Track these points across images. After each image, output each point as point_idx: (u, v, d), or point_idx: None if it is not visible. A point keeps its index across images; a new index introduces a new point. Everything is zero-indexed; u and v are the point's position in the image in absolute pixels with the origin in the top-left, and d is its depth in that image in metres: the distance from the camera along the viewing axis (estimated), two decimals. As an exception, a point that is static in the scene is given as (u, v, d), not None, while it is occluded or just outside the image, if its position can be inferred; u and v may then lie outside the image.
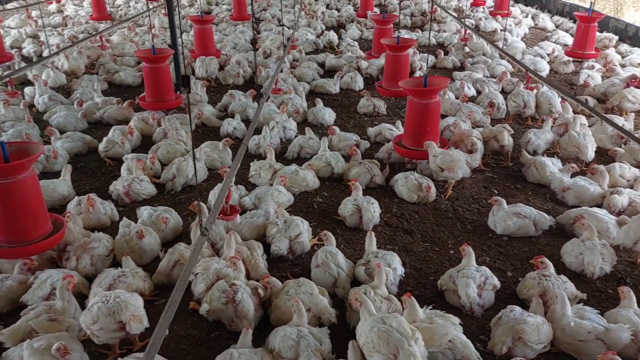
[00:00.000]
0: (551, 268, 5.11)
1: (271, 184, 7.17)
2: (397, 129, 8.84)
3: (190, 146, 8.42)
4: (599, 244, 5.46)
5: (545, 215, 6.21)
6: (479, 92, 10.91)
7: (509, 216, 6.13)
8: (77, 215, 6.30)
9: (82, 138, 8.68)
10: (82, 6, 21.93)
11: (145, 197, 7.18)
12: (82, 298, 5.12)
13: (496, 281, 5.05)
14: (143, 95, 9.75)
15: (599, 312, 4.59)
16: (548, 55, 13.46)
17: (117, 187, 7.06)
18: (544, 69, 12.00)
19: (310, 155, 8.22)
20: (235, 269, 5.03)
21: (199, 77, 11.78)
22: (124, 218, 6.20)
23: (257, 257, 5.49)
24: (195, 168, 4.89)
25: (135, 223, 6.23)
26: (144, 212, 6.36)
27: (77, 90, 11.11)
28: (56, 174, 7.46)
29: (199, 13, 18.20)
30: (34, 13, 20.36)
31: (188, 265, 4.28)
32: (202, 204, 6.12)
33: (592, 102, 9.80)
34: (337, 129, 8.69)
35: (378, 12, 18.43)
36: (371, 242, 5.50)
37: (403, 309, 4.55)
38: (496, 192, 7.21)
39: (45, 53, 14.02)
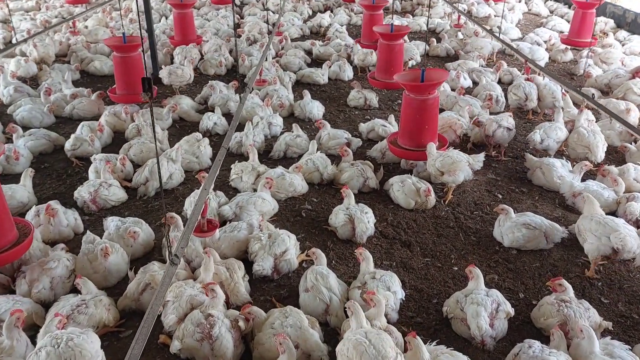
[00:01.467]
0: (570, 292, 4.53)
1: (254, 189, 6.51)
2: (390, 125, 8.20)
3: (167, 145, 7.73)
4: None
5: (557, 226, 5.61)
6: (475, 83, 10.28)
7: (517, 227, 5.53)
8: (36, 228, 5.61)
9: (47, 135, 7.93)
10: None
11: (114, 204, 6.49)
12: (37, 330, 4.47)
13: (509, 307, 4.45)
14: (113, 87, 9.01)
15: (629, 347, 4.02)
16: (545, 42, 12.85)
17: (82, 193, 6.36)
18: (543, 57, 11.40)
19: (297, 154, 7.56)
20: (213, 297, 4.37)
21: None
22: (87, 232, 5.51)
23: (237, 279, 4.85)
24: (160, 173, 4.23)
25: (101, 236, 5.58)
26: (111, 223, 5.68)
27: (45, 80, 10.30)
28: (17, 177, 6.74)
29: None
30: (5, -5, 19.35)
31: (156, 298, 3.65)
32: (177, 217, 5.46)
33: (595, 94, 9.19)
34: (326, 123, 8.02)
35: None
36: (368, 262, 4.87)
37: (405, 347, 3.96)
38: (500, 196, 6.61)
39: (14, 40, 13.14)
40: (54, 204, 5.92)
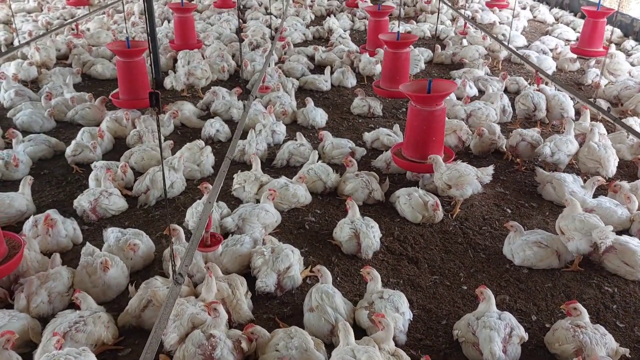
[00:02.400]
0: (586, 316, 4.37)
1: (257, 200, 6.37)
2: (395, 135, 8.05)
3: (168, 153, 7.58)
4: None
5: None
6: (480, 92, 10.15)
7: (528, 245, 5.37)
8: (34, 239, 5.46)
9: (47, 141, 7.78)
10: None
11: (114, 213, 6.34)
12: (33, 346, 4.32)
13: (523, 332, 4.29)
14: (116, 92, 8.87)
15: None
16: (551, 50, 12.72)
17: (82, 202, 6.20)
18: (550, 67, 11.25)
19: (300, 163, 7.42)
20: (216, 317, 4.22)
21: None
22: (87, 244, 5.36)
23: (239, 296, 4.69)
24: (164, 183, 4.09)
25: (101, 247, 5.44)
26: (111, 235, 5.52)
27: (46, 84, 10.15)
28: (17, 183, 6.57)
29: (180, 0, 17.36)
30: (7, -4, 19.21)
31: (160, 321, 3.50)
32: (179, 229, 5.31)
33: (605, 105, 9.06)
34: (328, 134, 7.86)
35: (368, 1, 17.58)
36: (376, 282, 4.71)
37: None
38: (509, 211, 6.46)
39: (17, 42, 12.99)
40: (53, 213, 5.78)
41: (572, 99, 8.29)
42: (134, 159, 7.34)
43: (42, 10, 17.15)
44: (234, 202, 6.61)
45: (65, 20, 15.72)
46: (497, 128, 7.82)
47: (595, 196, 6.30)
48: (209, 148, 7.43)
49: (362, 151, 7.74)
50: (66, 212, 6.28)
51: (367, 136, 8.19)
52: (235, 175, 6.78)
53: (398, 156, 6.78)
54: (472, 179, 6.15)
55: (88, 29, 14.41)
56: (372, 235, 5.58)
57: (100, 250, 5.31)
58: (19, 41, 12.35)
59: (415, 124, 6.50)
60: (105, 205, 6.24)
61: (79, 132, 7.87)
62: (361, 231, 5.55)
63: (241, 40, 13.09)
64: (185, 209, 6.32)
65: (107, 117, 8.45)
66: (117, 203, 6.35)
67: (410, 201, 6.23)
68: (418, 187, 6.50)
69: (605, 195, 6.35)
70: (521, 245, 5.40)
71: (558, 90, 8.67)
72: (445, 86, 6.53)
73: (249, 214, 5.81)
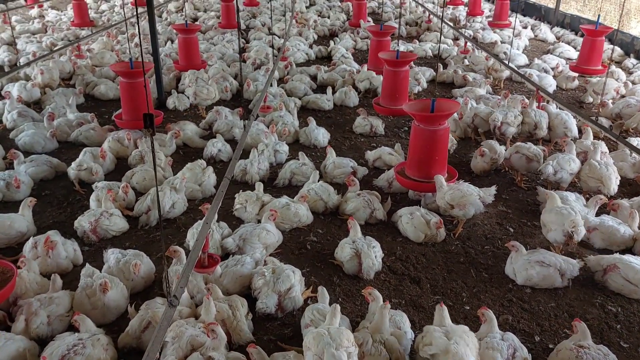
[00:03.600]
0: (588, 337, 4.31)
1: (259, 220, 6.34)
2: (397, 154, 8.04)
3: (169, 172, 7.59)
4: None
5: (573, 261, 5.42)
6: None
7: (530, 264, 5.33)
8: (34, 260, 5.44)
9: (49, 162, 7.78)
10: (65, 11, 20.80)
11: (115, 234, 6.32)
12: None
13: (526, 352, 4.24)
14: (119, 113, 8.91)
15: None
16: (552, 69, 12.75)
17: (82, 223, 6.19)
18: (551, 84, 11.26)
19: (302, 182, 7.39)
20: (214, 338, 4.18)
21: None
22: (87, 265, 5.34)
23: (240, 317, 4.65)
24: (159, 203, 4.07)
25: (101, 268, 5.41)
26: (111, 256, 5.50)
27: (49, 105, 10.21)
28: (18, 204, 6.52)
29: (184, 21, 17.50)
30: (13, 18, 19.41)
31: (154, 343, 3.47)
32: (180, 250, 5.29)
33: (606, 124, 9.05)
34: (332, 151, 7.87)
35: (371, 21, 17.71)
36: (378, 301, 4.66)
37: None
38: (512, 230, 6.43)
39: (19, 63, 13.11)
40: (53, 235, 5.77)
41: (574, 117, 8.27)
42: (136, 179, 7.34)
43: (46, 32, 17.31)
44: (235, 222, 6.59)
45: (70, 41, 15.89)
46: (497, 145, 7.80)
47: (598, 214, 6.26)
48: (210, 168, 7.43)
49: (364, 170, 7.73)
50: (67, 233, 6.28)
51: (369, 155, 8.19)
52: (236, 195, 6.77)
53: (401, 175, 6.76)
54: (474, 199, 6.13)
55: (91, 50, 14.50)
56: (373, 255, 5.54)
57: (100, 272, 5.29)
58: (20, 63, 12.50)
59: (418, 143, 6.50)
60: (106, 225, 6.22)
61: (81, 153, 7.88)
62: (362, 251, 5.52)
63: (243, 61, 13.22)
64: (186, 230, 6.29)
65: (109, 138, 8.48)
66: (117, 224, 6.33)
67: (412, 220, 6.21)
68: (420, 207, 6.47)
69: (608, 214, 6.31)
70: (523, 265, 5.36)
71: (560, 108, 8.67)
72: (448, 106, 6.52)
73: (249, 234, 5.79)
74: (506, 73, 11.98)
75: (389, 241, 6.20)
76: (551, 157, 7.15)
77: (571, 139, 7.76)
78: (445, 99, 6.90)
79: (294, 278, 5.04)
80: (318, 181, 7.09)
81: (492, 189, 6.34)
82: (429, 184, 6.46)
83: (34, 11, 21.16)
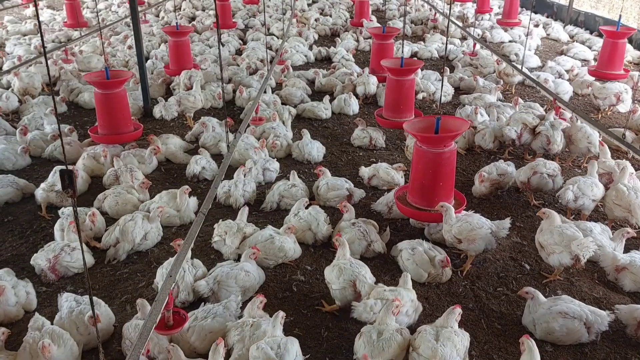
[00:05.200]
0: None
1: (239, 254, 5.59)
2: (396, 172, 7.27)
3: (146, 196, 6.85)
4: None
5: (601, 312, 4.62)
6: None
7: (552, 316, 4.55)
8: (-24, 308, 4.74)
9: (15, 183, 7.06)
10: (61, 10, 19.97)
11: (77, 271, 5.59)
12: None
13: None
14: (95, 126, 8.18)
15: None
16: (567, 72, 11.90)
17: (39, 260, 5.46)
18: (567, 91, 10.40)
19: (292, 206, 6.63)
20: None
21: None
22: (36, 315, 4.60)
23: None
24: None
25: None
26: (64, 304, 4.77)
27: (25, 115, 9.50)
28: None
29: (180, 21, 16.76)
30: (5, 18, 18.75)
31: None
32: (143, 305, 4.55)
33: (630, 136, 8.22)
34: (326, 171, 7.09)
35: (374, 20, 16.89)
36: None
37: None
38: (527, 267, 5.64)
39: (6, 66, 12.42)
40: (5, 275, 5.09)
41: (599, 132, 7.43)
42: (108, 204, 6.62)
43: (37, 33, 16.61)
44: (214, 256, 5.85)
45: (61, 42, 15.20)
46: (499, 167, 7.05)
47: (626, 250, 5.47)
48: (194, 200, 6.66)
49: (361, 193, 6.96)
50: (24, 269, 5.63)
51: (364, 171, 7.43)
52: (215, 226, 6.01)
53: (401, 202, 5.99)
54: (485, 233, 5.35)
55: (81, 52, 13.77)
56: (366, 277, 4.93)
57: (53, 322, 4.57)
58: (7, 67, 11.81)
59: (421, 166, 5.72)
60: (67, 262, 5.49)
61: (51, 173, 7.14)
62: (358, 279, 4.82)
63: (237, 64, 12.44)
64: (158, 265, 5.56)
65: (84, 154, 7.75)
66: (80, 259, 5.60)
67: (413, 257, 5.44)
68: (423, 240, 5.68)
69: (638, 249, 5.52)
70: (544, 316, 4.58)
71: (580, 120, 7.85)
72: (455, 125, 5.72)
73: (225, 275, 5.04)
74: (518, 78, 11.15)
75: (388, 280, 5.42)
76: (571, 181, 6.34)
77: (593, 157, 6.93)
78: (451, 117, 6.10)
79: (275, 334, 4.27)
80: (307, 207, 6.33)
81: (507, 222, 5.55)
82: (432, 213, 5.68)
83: (29, 11, 20.51)
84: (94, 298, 4.79)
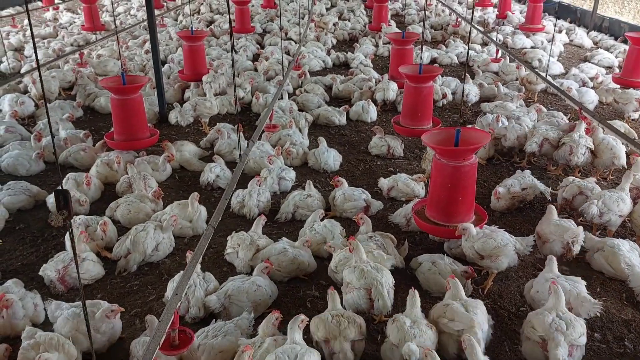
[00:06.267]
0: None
1: (252, 267, 5.44)
2: (416, 182, 7.07)
3: (160, 205, 6.73)
4: None
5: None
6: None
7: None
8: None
9: (28, 190, 6.98)
10: (81, 14, 20.00)
11: (87, 282, 5.49)
12: None
13: None
14: (110, 132, 8.10)
15: None
16: (591, 80, 11.59)
17: (48, 271, 5.35)
18: (592, 100, 10.09)
19: (307, 217, 6.46)
20: None
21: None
22: (27, 327, 4.50)
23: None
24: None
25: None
26: (59, 316, 4.64)
27: (41, 120, 9.45)
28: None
29: (198, 24, 16.72)
30: (25, 21, 18.85)
31: None
32: (152, 319, 4.41)
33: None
34: (343, 181, 6.91)
35: (393, 25, 16.70)
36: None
37: None
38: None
39: (24, 70, 12.43)
40: (13, 286, 5.01)
41: (624, 144, 7.15)
42: (120, 212, 6.51)
43: (57, 36, 16.67)
44: (226, 268, 5.71)
45: (80, 46, 15.22)
46: (522, 181, 6.80)
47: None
48: (203, 209, 6.51)
49: (379, 205, 6.77)
50: (35, 278, 5.51)
51: (383, 183, 7.23)
52: (229, 237, 5.86)
53: (419, 216, 5.78)
54: (509, 250, 5.12)
55: (99, 56, 13.76)
56: (386, 291, 4.71)
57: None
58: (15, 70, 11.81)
59: (440, 180, 5.51)
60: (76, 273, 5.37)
61: (63, 180, 7.07)
62: (374, 287, 4.65)
63: (254, 69, 12.31)
64: (169, 278, 5.43)
65: (98, 161, 7.66)
66: (90, 270, 5.48)
67: (435, 267, 5.23)
68: (444, 255, 5.47)
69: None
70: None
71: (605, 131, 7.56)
72: (476, 137, 5.51)
73: (237, 290, 4.88)
74: (542, 85, 10.87)
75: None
76: (596, 195, 6.07)
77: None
78: (472, 128, 5.88)
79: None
80: (323, 218, 6.16)
81: (530, 239, 5.32)
82: (450, 229, 5.47)
83: (49, 14, 20.64)
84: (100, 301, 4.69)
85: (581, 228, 5.48)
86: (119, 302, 5.17)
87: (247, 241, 5.65)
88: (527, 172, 6.99)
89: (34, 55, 13.90)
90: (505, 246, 5.10)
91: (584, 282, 4.82)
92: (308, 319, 4.28)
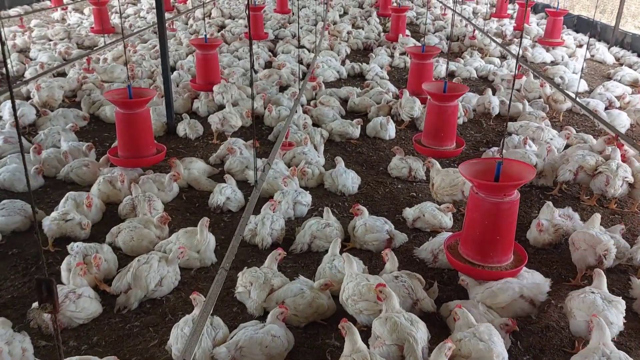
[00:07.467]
0: None
1: (265, 311, 4.90)
2: (442, 214, 6.52)
3: (165, 232, 6.20)
4: None
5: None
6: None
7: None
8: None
9: (22, 210, 6.46)
10: (90, 15, 19.50)
11: (82, 322, 4.94)
12: None
13: None
14: (114, 147, 7.59)
15: None
16: (617, 99, 11.01)
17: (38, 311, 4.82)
18: (625, 124, 9.51)
19: (325, 249, 5.93)
20: None
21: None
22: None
23: None
24: None
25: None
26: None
27: (42, 130, 8.94)
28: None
29: (208, 29, 16.22)
30: (32, 22, 18.42)
31: None
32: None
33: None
34: (364, 210, 6.35)
35: (409, 35, 16.18)
36: None
37: None
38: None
39: (28, 74, 11.96)
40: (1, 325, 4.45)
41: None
42: (122, 239, 5.98)
43: (63, 38, 16.21)
44: (236, 308, 5.17)
45: (86, 49, 14.75)
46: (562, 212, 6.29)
47: None
48: (212, 237, 5.98)
49: (403, 238, 6.21)
50: (26, 315, 4.96)
51: (408, 213, 6.66)
52: (240, 274, 5.31)
53: (452, 253, 5.24)
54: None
55: (106, 60, 13.27)
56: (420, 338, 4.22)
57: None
58: (18, 74, 11.33)
59: (476, 215, 4.97)
60: (71, 312, 4.84)
61: (62, 200, 6.55)
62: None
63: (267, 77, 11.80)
64: (173, 319, 4.91)
65: (100, 179, 7.12)
66: (86, 308, 4.94)
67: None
68: (478, 302, 4.92)
69: None
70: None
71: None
72: (519, 170, 4.94)
73: (249, 341, 4.34)
74: (567, 104, 10.31)
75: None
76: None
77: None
78: (515, 160, 5.33)
79: None
80: (342, 251, 5.62)
81: (547, 286, 4.83)
82: (487, 270, 4.93)
83: (57, 14, 20.21)
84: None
85: (612, 241, 5.39)
86: (117, 347, 4.67)
87: (261, 280, 5.10)
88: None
89: (38, 57, 13.52)
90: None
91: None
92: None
